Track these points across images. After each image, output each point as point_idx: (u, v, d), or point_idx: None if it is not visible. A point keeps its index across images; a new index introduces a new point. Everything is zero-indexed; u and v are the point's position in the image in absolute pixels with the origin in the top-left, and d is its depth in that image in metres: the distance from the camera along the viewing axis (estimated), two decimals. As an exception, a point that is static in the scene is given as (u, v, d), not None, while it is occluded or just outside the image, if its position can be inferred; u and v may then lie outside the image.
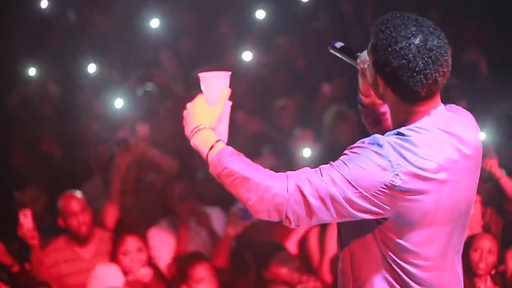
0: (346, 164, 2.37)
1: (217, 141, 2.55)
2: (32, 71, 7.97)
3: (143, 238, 5.12)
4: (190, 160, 6.09)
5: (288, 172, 2.43)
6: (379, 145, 2.36)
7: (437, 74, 2.38)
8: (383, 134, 2.82)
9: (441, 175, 2.39)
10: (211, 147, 2.52)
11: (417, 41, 2.36)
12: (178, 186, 5.51)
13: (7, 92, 7.83)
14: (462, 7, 8.30)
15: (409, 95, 2.42)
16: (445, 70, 2.40)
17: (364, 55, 2.66)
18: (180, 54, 8.46)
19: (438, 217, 2.44)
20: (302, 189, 2.36)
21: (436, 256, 2.48)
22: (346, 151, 2.42)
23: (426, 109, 2.45)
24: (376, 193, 2.34)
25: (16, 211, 5.12)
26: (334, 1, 8.96)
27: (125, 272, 4.87)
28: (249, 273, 5.28)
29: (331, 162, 2.41)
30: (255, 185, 2.40)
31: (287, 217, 2.39)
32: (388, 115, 2.86)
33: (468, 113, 2.62)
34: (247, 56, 7.86)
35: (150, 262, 5.02)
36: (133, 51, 8.45)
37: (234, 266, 5.22)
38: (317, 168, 2.41)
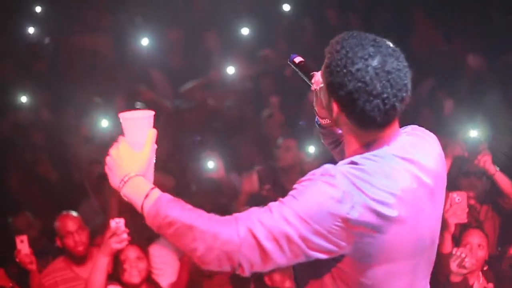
0: (296, 198, 2.15)
1: (152, 188, 2.33)
2: (23, 98, 8.00)
3: (144, 250, 5.12)
4: (184, 174, 6.12)
5: (236, 215, 2.20)
6: (331, 176, 2.15)
7: (395, 99, 2.17)
8: (343, 155, 2.72)
9: (400, 211, 2.18)
10: (146, 196, 2.31)
11: (375, 63, 2.16)
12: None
13: (1, 119, 7.85)
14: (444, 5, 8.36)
15: (364, 121, 2.21)
16: (404, 95, 2.20)
17: (319, 76, 2.41)
18: (168, 70, 8.50)
19: (399, 253, 2.25)
20: (254, 232, 2.13)
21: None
22: (295, 185, 2.21)
23: (382, 136, 2.26)
24: (332, 228, 2.12)
25: (13, 236, 5.11)
26: (319, 10, 9.03)
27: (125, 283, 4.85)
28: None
29: (281, 198, 2.20)
30: (201, 233, 2.16)
31: (240, 265, 2.16)
32: None
33: (432, 135, 2.45)
34: (230, 70, 7.94)
35: (150, 277, 5.00)
36: (120, 70, 8.49)
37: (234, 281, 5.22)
38: (266, 207, 2.19)
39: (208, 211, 5.85)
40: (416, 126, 2.44)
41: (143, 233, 5.73)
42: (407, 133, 2.37)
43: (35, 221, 5.79)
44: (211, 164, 6.09)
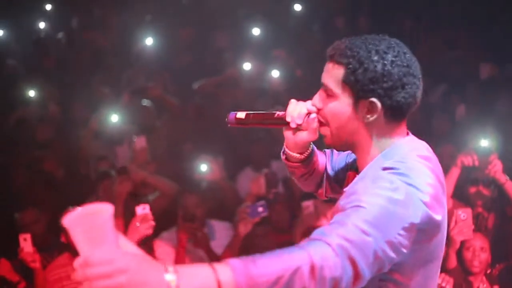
0: (363, 207, 2.02)
1: (208, 264, 1.87)
2: (31, 93, 8.00)
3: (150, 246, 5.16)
4: (190, 174, 6.11)
5: (322, 240, 1.95)
6: (389, 181, 2.09)
7: (419, 89, 2.23)
8: (315, 182, 2.67)
9: (440, 212, 2.16)
10: (214, 272, 1.84)
11: (399, 49, 2.21)
12: (191, 198, 5.51)
13: (8, 114, 7.85)
14: (452, 14, 8.36)
15: (409, 107, 2.22)
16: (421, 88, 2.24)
17: (296, 110, 2.34)
18: (177, 68, 8.53)
19: (437, 254, 2.25)
20: (351, 254, 1.94)
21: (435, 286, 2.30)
22: (350, 198, 2.09)
23: (401, 131, 2.27)
24: (399, 234, 2.03)
25: (19, 232, 5.10)
26: (327, 13, 9.06)
27: None
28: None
29: (341, 213, 2.04)
30: (304, 271, 1.89)
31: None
32: (319, 161, 2.63)
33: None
34: (247, 66, 7.94)
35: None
36: (129, 67, 8.51)
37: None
38: (335, 222, 2.01)
39: (214, 209, 5.80)
40: None
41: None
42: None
43: (41, 216, 5.77)
44: (206, 167, 6.07)
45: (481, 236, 5.04)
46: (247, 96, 7.76)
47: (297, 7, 9.36)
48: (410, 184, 2.10)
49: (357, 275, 1.96)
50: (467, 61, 7.75)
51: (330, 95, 2.25)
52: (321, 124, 2.33)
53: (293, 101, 2.40)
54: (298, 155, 2.55)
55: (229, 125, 2.52)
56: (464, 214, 4.77)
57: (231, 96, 7.78)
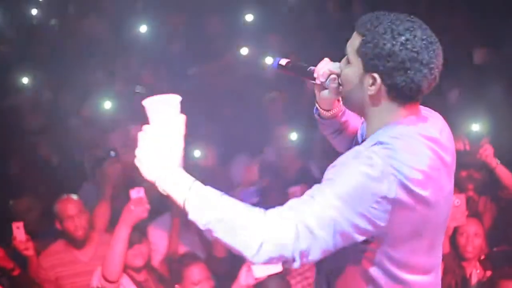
0: (335, 181, 2.16)
1: (194, 181, 2.24)
2: (24, 80, 7.99)
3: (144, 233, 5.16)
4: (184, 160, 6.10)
5: (282, 208, 2.17)
6: (367, 157, 2.18)
7: (437, 70, 2.28)
8: (345, 142, 2.78)
9: (428, 189, 2.24)
10: (189, 190, 2.21)
11: (419, 33, 2.25)
12: None
13: (1, 101, 7.84)
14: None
15: (410, 92, 2.28)
16: (440, 67, 2.30)
17: (323, 68, 2.56)
18: (169, 55, 8.51)
19: (426, 231, 2.31)
20: (306, 222, 2.10)
21: (428, 262, 2.38)
22: (329, 170, 2.23)
23: (410, 112, 2.34)
24: (372, 207, 2.15)
25: (14, 219, 5.12)
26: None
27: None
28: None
29: (317, 185, 2.21)
30: (255, 228, 2.11)
31: (293, 258, 2.12)
32: (350, 122, 2.78)
33: (439, 115, 2.50)
34: (244, 51, 7.95)
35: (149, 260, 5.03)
36: (122, 55, 8.49)
37: (231, 258, 5.23)
38: (307, 196, 2.18)
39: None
40: (422, 106, 2.47)
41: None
42: (423, 112, 2.43)
43: (36, 204, 5.78)
44: (200, 153, 6.06)
45: (475, 221, 5.06)
46: (241, 82, 7.77)
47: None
48: (394, 158, 2.19)
49: (313, 242, 2.11)
50: (461, 46, 7.75)
51: (348, 61, 2.38)
52: (340, 86, 2.48)
53: (326, 59, 2.60)
54: (325, 112, 2.73)
55: (273, 68, 2.78)
56: (457, 200, 4.81)
57: (224, 82, 7.78)
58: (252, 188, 5.32)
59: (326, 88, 2.60)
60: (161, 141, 2.28)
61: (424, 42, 2.25)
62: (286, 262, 2.14)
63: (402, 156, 2.20)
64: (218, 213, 2.14)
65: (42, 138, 7.00)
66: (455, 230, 4.95)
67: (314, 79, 2.61)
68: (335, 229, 2.12)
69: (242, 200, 5.21)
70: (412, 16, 2.32)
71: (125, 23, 8.88)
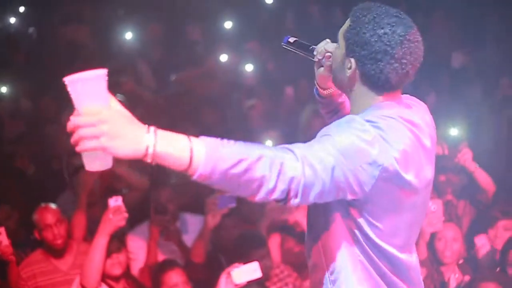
0: (332, 136, 2.25)
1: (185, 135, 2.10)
2: (2, 89, 7.94)
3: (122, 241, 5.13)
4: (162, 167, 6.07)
5: (288, 146, 2.22)
6: (360, 123, 2.30)
7: (411, 66, 2.40)
8: None
9: (407, 167, 2.34)
10: (190, 143, 2.06)
11: (399, 30, 2.38)
12: (163, 191, 5.50)
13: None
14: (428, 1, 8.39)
15: (379, 82, 2.42)
16: (418, 65, 2.44)
17: (321, 47, 2.75)
18: (150, 62, 8.50)
19: (404, 206, 2.42)
20: (311, 160, 2.17)
21: (404, 241, 2.48)
22: (325, 130, 2.31)
23: (388, 100, 2.46)
24: (361, 167, 2.23)
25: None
26: (301, 3, 9.05)
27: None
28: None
29: (315, 140, 2.29)
30: (271, 162, 2.13)
31: (296, 193, 2.16)
32: (346, 104, 2.90)
33: (423, 104, 2.64)
34: (223, 58, 7.96)
35: (127, 269, 5.00)
36: (101, 61, 8.45)
37: (209, 264, 5.22)
38: (310, 142, 2.26)
39: (187, 203, 5.80)
40: (408, 95, 2.61)
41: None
42: (404, 99, 2.55)
43: (13, 213, 5.74)
44: None
45: (453, 226, 5.07)
46: (222, 88, 7.77)
47: (269, 0, 9.32)
48: (382, 138, 2.29)
49: (315, 181, 2.19)
50: (439, 49, 7.79)
51: (339, 43, 2.54)
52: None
53: (326, 39, 2.77)
54: (323, 90, 2.90)
55: (282, 46, 2.96)
56: (434, 205, 4.82)
57: (205, 88, 7.78)
58: (228, 193, 5.31)
59: (322, 66, 2.78)
60: (120, 111, 2.02)
61: (401, 38, 2.38)
62: (289, 198, 2.18)
63: (386, 134, 2.31)
64: (236, 154, 2.10)
65: (21, 146, 6.95)
66: (433, 235, 4.95)
67: (314, 56, 2.81)
68: (333, 174, 2.21)
69: (219, 205, 5.19)
70: (401, 13, 2.45)
71: (106, 31, 8.85)
